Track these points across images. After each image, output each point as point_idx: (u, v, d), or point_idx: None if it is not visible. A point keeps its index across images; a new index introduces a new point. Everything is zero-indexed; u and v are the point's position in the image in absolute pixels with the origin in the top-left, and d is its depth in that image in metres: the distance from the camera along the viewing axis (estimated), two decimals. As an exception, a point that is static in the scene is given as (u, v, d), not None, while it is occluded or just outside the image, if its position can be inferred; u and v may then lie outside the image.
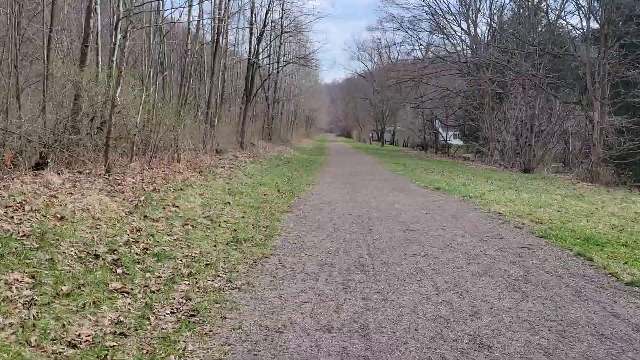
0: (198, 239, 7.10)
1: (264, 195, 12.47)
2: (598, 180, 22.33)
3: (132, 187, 9.52)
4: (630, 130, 22.99)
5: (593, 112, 22.01)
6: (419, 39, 46.73)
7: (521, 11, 32.20)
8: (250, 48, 25.79)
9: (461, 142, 52.18)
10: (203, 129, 20.68)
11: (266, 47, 31.21)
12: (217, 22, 19.22)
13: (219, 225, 8.24)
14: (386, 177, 18.66)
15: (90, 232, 6.19)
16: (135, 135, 11.47)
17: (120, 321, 4.12)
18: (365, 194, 13.49)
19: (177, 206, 8.82)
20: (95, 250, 5.61)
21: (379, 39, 66.23)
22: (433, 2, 42.56)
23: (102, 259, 5.45)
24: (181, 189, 10.27)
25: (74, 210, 6.83)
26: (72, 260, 5.22)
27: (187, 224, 7.82)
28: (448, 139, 52.77)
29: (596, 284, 5.78)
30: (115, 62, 12.33)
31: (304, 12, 51.67)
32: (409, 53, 55.42)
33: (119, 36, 13.41)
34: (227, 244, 7.19)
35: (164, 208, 8.42)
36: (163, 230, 7.19)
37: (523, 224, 9.66)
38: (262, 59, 29.74)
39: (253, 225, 8.70)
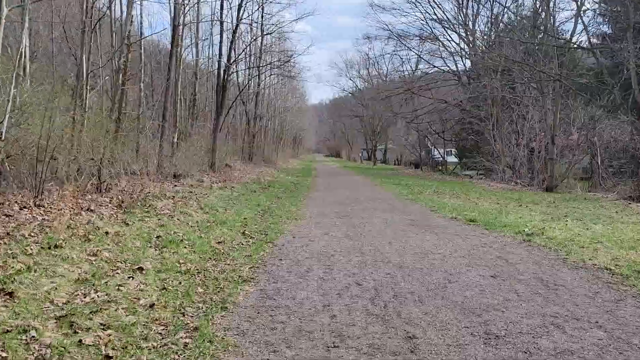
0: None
1: (218, 243, 7.95)
2: (650, 200, 18.03)
3: (-54, 250, 4.98)
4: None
5: (641, 118, 17.80)
6: (411, 48, 42.41)
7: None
8: (220, 48, 21.35)
9: (456, 160, 48.32)
10: (155, 147, 16.21)
11: (243, 52, 26.82)
12: (171, 8, 14.84)
13: (78, 344, 3.71)
14: (393, 204, 14.19)
15: None
16: (-1, 152, 6.95)
17: None
18: (373, 234, 9.00)
19: (10, 293, 4.28)
20: None
21: (367, 54, 62.27)
22: (428, 7, 38.61)
23: None
24: (56, 247, 5.73)
25: None
26: None
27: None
28: (442, 157, 48.92)
29: None
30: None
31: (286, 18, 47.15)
32: (401, 64, 51.49)
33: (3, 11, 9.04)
34: None
35: (-40, 305, 3.88)
36: None
37: (676, 296, 5.22)
38: (236, 61, 25.27)
39: (164, 331, 4.18)
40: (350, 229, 9.61)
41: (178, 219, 9.05)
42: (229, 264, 6.72)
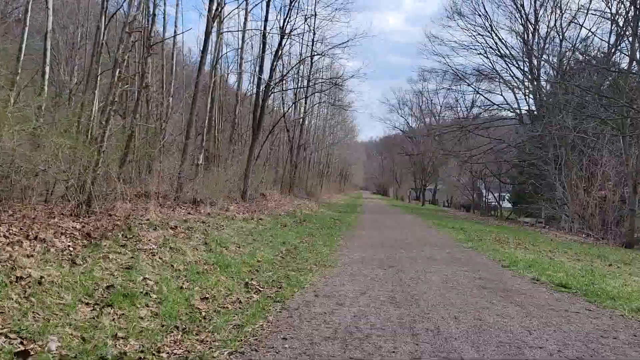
0: None
1: (203, 300, 5.48)
2: None
3: None
4: None
5: None
6: (470, 83, 39.68)
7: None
8: (261, 64, 19.27)
9: (509, 204, 44.86)
10: (174, 169, 14.08)
11: (288, 72, 24.80)
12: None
13: None
14: (452, 254, 11.38)
15: None
16: None
17: None
18: (430, 299, 6.31)
19: None
20: None
21: (420, 92, 59.63)
22: (490, 40, 36.02)
23: None
24: None
25: None
26: None
27: None
28: (496, 201, 45.65)
29: None
30: None
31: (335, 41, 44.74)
32: (455, 102, 48.64)
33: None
34: None
35: None
36: None
37: None
38: (282, 81, 23.19)
39: None
40: (398, 288, 6.94)
41: (161, 258, 6.63)
42: (202, 342, 4.23)
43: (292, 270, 7.94)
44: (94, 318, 4.22)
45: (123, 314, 4.46)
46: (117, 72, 8.46)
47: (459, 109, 48.44)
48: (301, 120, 30.18)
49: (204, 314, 5.04)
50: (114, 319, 4.30)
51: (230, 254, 8.30)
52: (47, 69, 13.68)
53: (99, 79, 11.49)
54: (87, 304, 4.48)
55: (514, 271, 9.22)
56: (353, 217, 23.58)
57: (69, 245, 6.15)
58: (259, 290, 6.37)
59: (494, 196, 46.53)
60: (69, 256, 5.69)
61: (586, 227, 25.56)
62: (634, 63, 22.28)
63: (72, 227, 7.22)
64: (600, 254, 14.11)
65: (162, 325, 4.47)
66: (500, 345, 4.53)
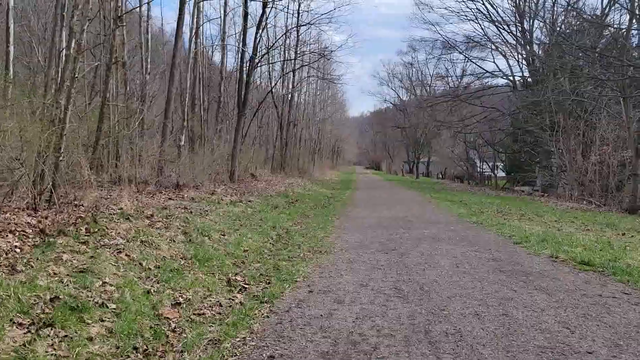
0: None
1: (175, 306, 4.56)
2: None
3: None
4: None
5: None
6: (461, 51, 38.29)
7: None
8: (244, 36, 18.14)
9: (502, 174, 44.32)
10: (155, 150, 13.07)
11: (274, 44, 23.62)
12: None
13: None
14: (457, 231, 10.49)
15: None
16: None
17: None
18: (443, 290, 5.41)
19: None
20: None
21: (411, 63, 58.20)
22: (481, 6, 34.70)
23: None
24: None
25: None
26: None
27: None
28: (490, 171, 45.06)
29: None
30: None
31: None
32: (446, 72, 47.48)
33: None
34: None
35: None
36: None
37: None
38: (267, 54, 22.08)
39: None
40: (403, 277, 6.05)
41: (128, 255, 5.68)
42: (166, 367, 3.32)
43: (283, 259, 7.03)
44: (24, 345, 3.29)
45: (66, 335, 3.54)
46: (73, 43, 7.40)
47: (449, 78, 47.30)
48: (290, 95, 29.03)
49: (173, 325, 4.13)
50: (52, 345, 3.37)
51: (212, 244, 7.37)
52: (12, 48, 12.63)
53: (62, 55, 10.40)
54: (19, 324, 3.55)
55: (528, 248, 8.35)
56: (348, 194, 22.69)
57: (15, 246, 5.20)
58: (244, 287, 5.47)
59: (489, 166, 45.81)
60: (12, 259, 4.74)
61: (586, 194, 24.82)
62: (634, 20, 21.28)
63: (26, 222, 6.26)
64: (608, 222, 13.31)
65: (117, 347, 3.55)
66: (540, 351, 3.65)
